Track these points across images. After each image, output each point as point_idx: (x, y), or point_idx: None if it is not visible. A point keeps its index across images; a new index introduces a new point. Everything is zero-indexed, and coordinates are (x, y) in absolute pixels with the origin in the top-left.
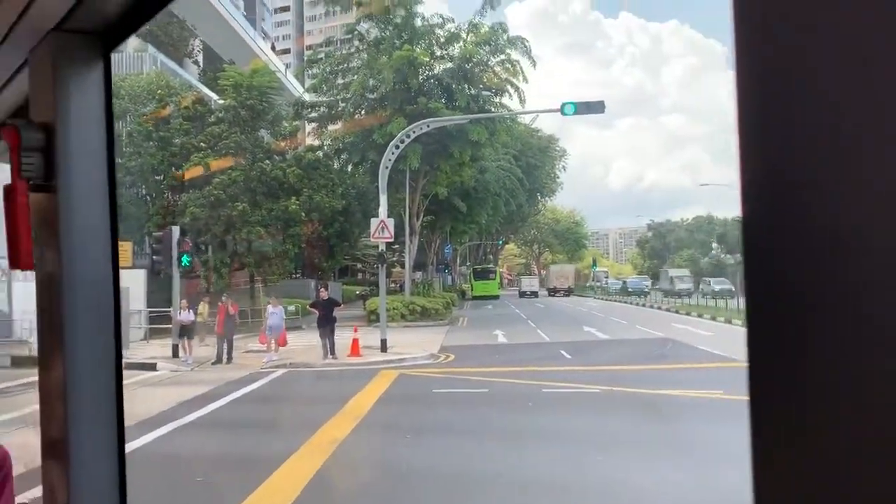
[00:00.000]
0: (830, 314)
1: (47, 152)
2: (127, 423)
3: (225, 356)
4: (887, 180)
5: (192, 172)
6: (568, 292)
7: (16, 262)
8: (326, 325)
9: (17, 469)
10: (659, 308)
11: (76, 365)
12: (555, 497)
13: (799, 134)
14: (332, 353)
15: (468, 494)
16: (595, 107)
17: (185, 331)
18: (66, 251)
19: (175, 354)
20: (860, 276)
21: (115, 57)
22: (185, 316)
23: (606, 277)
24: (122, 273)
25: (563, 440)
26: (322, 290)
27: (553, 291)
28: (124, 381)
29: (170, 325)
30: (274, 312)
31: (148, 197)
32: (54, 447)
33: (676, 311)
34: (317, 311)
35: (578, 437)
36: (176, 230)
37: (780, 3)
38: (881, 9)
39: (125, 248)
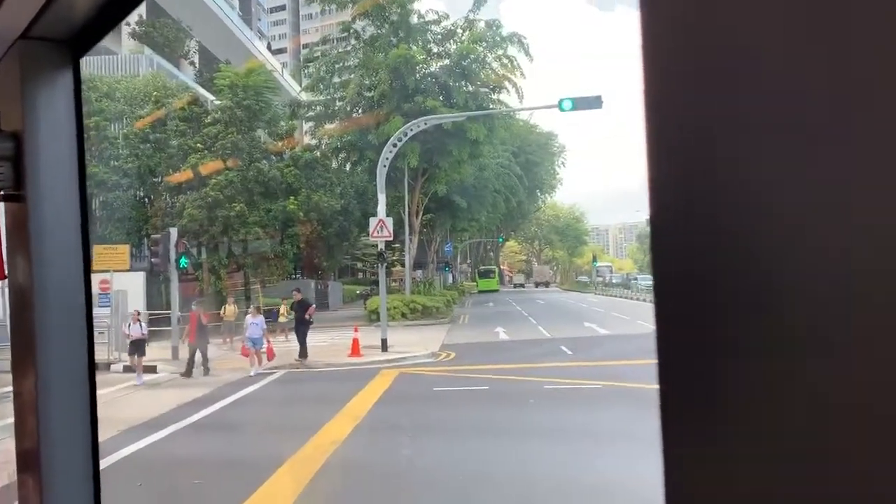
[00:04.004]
0: (736, 313)
1: (16, 161)
2: (123, 426)
3: (202, 367)
4: (792, 179)
5: (189, 174)
6: (546, 284)
7: None
8: (300, 326)
9: (3, 480)
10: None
11: (48, 376)
12: (557, 494)
13: (704, 134)
14: (300, 355)
15: (470, 493)
16: (593, 102)
17: (136, 346)
18: (36, 260)
19: (175, 356)
20: (765, 275)
21: (110, 59)
22: (135, 329)
23: (611, 272)
24: (121, 276)
25: (566, 436)
26: (295, 291)
27: (537, 284)
28: (126, 384)
29: (169, 328)
30: (254, 323)
31: (146, 199)
32: (28, 460)
33: None
34: (293, 314)
35: (581, 434)
36: (174, 232)
37: (686, 3)
38: (789, 11)
39: (122, 251)
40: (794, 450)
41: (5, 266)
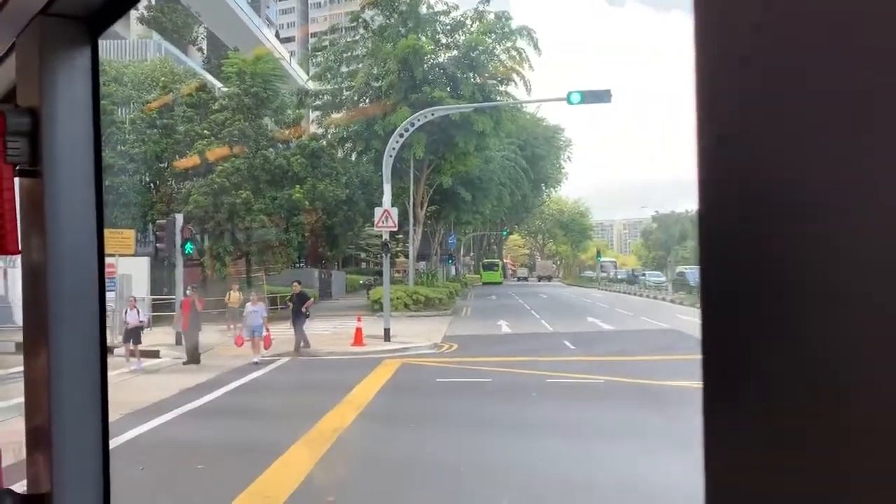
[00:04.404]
0: (785, 308)
1: (33, 137)
2: (126, 410)
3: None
4: (840, 175)
5: (196, 160)
6: (549, 279)
7: (2, 247)
8: (296, 318)
9: (8, 458)
10: (662, 299)
11: (60, 352)
12: (558, 488)
13: (757, 130)
14: (296, 346)
15: (470, 485)
16: (602, 95)
17: (132, 334)
18: (51, 236)
19: (178, 342)
20: (815, 270)
21: (119, 44)
22: (132, 316)
23: (615, 268)
24: (126, 260)
25: (567, 431)
26: (295, 283)
27: (539, 278)
28: (128, 369)
29: (173, 313)
30: (254, 311)
31: (151, 184)
32: (38, 436)
33: (681, 303)
34: (290, 305)
35: (582, 428)
36: (179, 218)
37: (739, 4)
38: (842, 6)
39: (128, 236)
40: (840, 446)
41: (19, 240)
